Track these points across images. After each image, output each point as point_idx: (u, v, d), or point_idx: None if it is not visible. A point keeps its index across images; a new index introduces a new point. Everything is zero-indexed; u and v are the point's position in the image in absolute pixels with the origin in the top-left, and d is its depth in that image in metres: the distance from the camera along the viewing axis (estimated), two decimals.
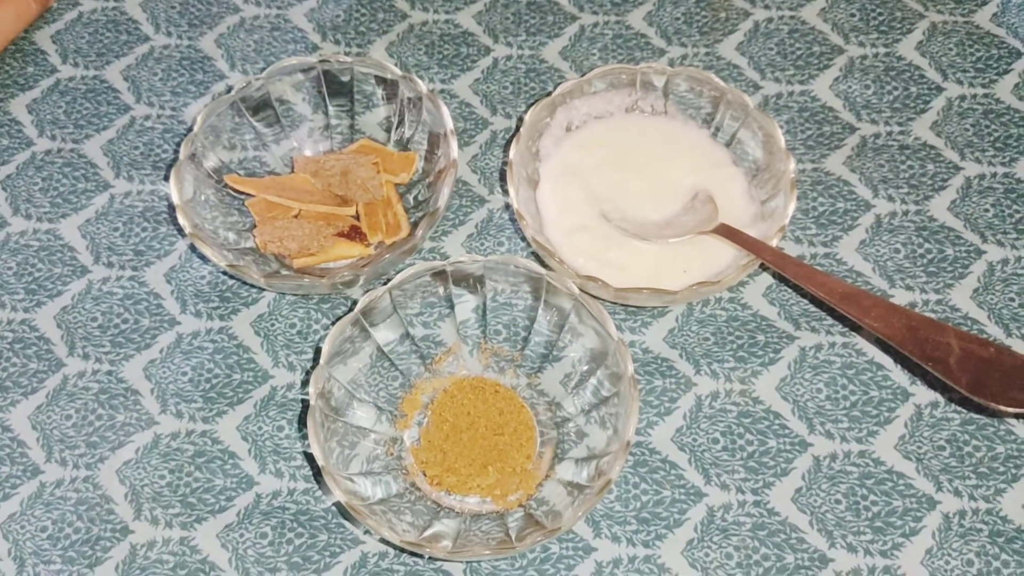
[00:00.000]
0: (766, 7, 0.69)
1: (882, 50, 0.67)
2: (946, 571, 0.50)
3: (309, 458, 0.55)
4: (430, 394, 0.55)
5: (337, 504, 0.53)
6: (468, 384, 0.55)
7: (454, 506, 0.52)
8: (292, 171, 0.62)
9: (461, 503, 0.52)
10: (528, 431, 0.54)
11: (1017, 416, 0.53)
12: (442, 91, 0.67)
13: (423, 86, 0.59)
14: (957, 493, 0.52)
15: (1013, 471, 0.53)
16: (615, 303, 0.57)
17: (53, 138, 0.66)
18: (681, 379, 0.56)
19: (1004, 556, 0.51)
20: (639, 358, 0.57)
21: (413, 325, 0.55)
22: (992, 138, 0.63)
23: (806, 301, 0.58)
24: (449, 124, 0.58)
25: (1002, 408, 0.45)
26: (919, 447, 0.54)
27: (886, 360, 0.56)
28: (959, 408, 0.54)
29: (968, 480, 0.53)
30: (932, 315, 0.57)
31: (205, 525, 0.53)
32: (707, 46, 0.68)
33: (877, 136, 0.63)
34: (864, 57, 0.67)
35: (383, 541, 0.52)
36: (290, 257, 0.59)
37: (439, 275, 0.54)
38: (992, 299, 0.58)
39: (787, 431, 0.54)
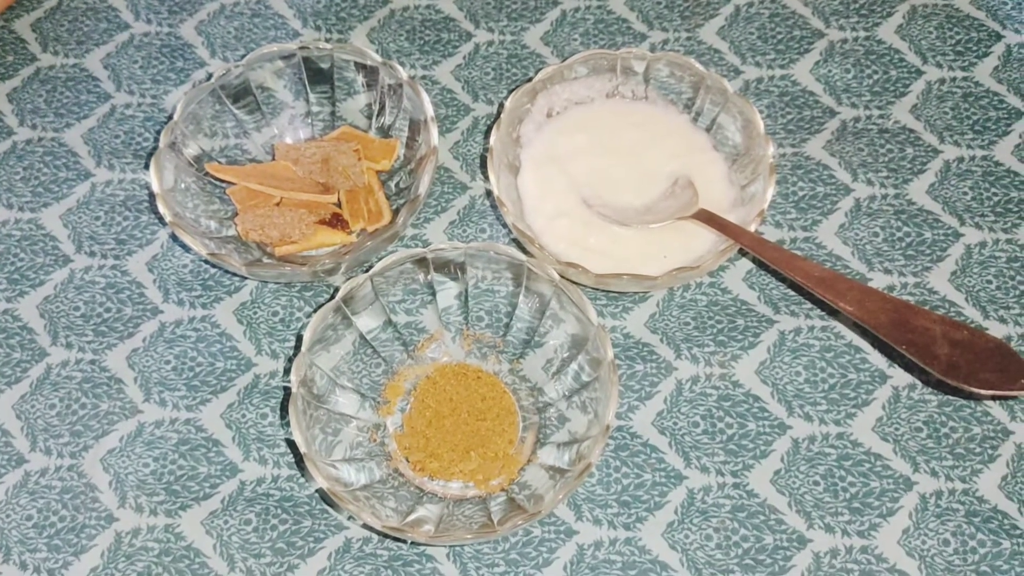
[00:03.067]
0: None
1: (862, 34, 0.67)
2: (923, 551, 0.51)
3: (292, 445, 0.55)
4: (413, 380, 0.56)
5: (320, 490, 0.54)
6: (450, 370, 0.55)
7: (437, 491, 0.53)
8: (273, 159, 0.62)
9: (444, 488, 0.53)
10: (510, 416, 0.54)
11: (992, 398, 0.54)
12: (423, 77, 0.67)
13: (404, 73, 0.59)
14: (934, 474, 0.53)
15: (989, 452, 0.53)
16: (596, 289, 0.58)
17: (34, 127, 0.66)
18: (662, 363, 0.57)
19: (980, 535, 0.51)
20: (620, 343, 0.57)
21: (395, 312, 0.55)
22: (971, 121, 0.63)
23: (785, 285, 0.58)
24: (430, 111, 0.58)
25: (975, 390, 0.46)
26: (896, 429, 0.54)
27: (864, 343, 0.57)
28: (936, 390, 0.55)
29: (945, 461, 0.53)
30: (910, 298, 0.58)
31: (189, 512, 0.53)
32: (688, 31, 0.68)
33: (857, 120, 0.64)
34: (844, 41, 0.67)
35: (366, 526, 0.53)
36: (272, 245, 0.59)
37: (421, 262, 0.54)
38: (970, 282, 0.58)
39: (766, 414, 0.55)
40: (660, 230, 0.57)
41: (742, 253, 0.59)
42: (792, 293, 0.58)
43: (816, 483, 0.53)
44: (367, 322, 0.55)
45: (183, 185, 0.58)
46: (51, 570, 0.52)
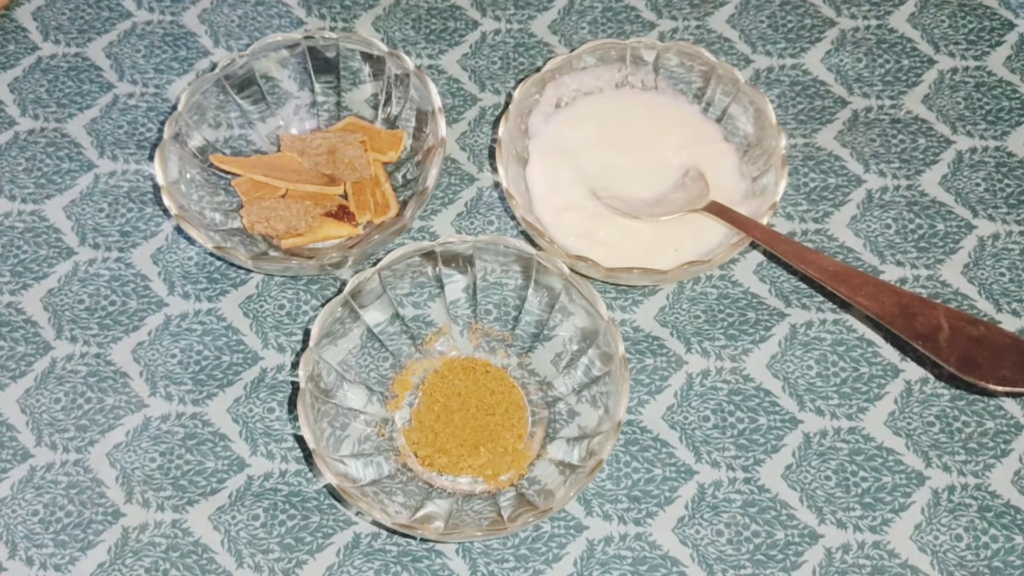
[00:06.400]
0: None
1: (874, 22, 0.66)
2: (935, 546, 0.51)
3: (300, 439, 0.55)
4: (421, 375, 0.55)
5: (329, 485, 0.53)
6: (459, 364, 0.55)
7: (446, 486, 0.52)
8: (278, 150, 0.62)
9: (453, 483, 0.52)
10: (519, 411, 0.54)
11: (1007, 395, 0.54)
12: (430, 67, 0.66)
13: (410, 63, 0.59)
14: (946, 469, 0.53)
15: (1002, 446, 0.53)
16: (606, 282, 0.57)
17: (36, 117, 0.65)
18: (672, 357, 0.56)
19: (993, 531, 0.51)
20: (630, 337, 0.57)
21: (403, 306, 0.55)
22: (984, 111, 0.63)
23: (797, 278, 0.58)
24: (437, 102, 0.57)
25: (992, 387, 0.45)
26: (909, 423, 0.54)
27: (876, 337, 0.56)
28: (948, 384, 0.55)
29: (957, 456, 0.53)
30: (923, 290, 0.57)
31: (197, 507, 0.53)
32: (698, 19, 0.67)
33: (869, 110, 0.63)
34: (856, 29, 0.66)
35: (375, 522, 0.52)
36: (278, 237, 0.58)
37: (428, 255, 0.53)
38: (982, 274, 0.58)
39: (777, 408, 0.55)
40: (670, 223, 0.57)
41: (753, 245, 0.59)
42: (803, 286, 0.58)
43: (828, 478, 0.53)
44: (374, 316, 0.54)
45: (188, 176, 0.58)
46: (58, 565, 0.52)
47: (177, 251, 0.60)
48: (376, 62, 0.61)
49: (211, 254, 0.60)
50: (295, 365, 0.57)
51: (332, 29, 0.67)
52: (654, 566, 0.51)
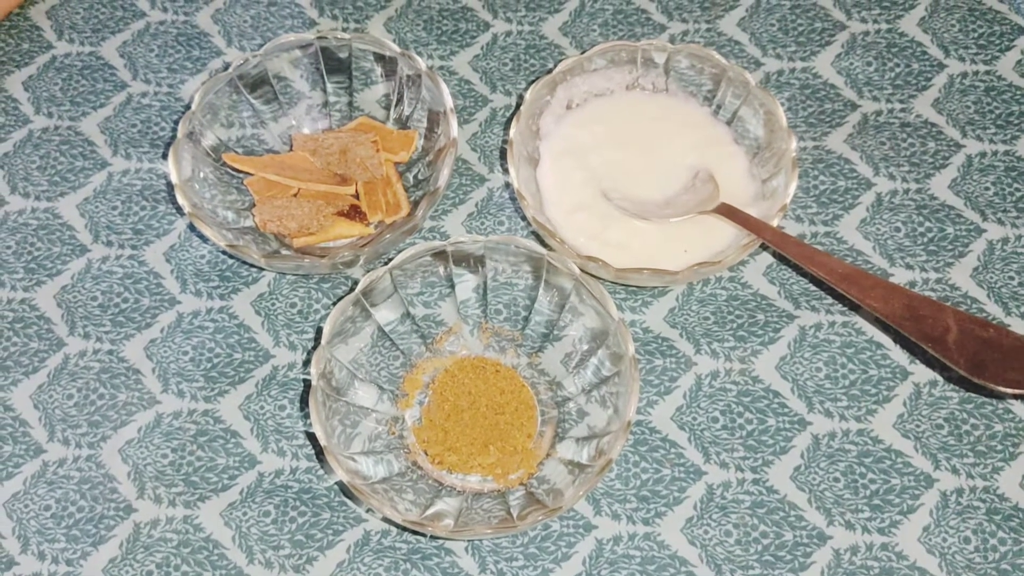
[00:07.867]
0: None
1: (884, 26, 0.66)
2: (943, 548, 0.51)
3: (311, 437, 0.55)
4: (431, 374, 0.56)
5: (340, 483, 0.54)
6: (469, 364, 0.55)
7: (456, 485, 0.53)
8: (291, 149, 0.62)
9: (463, 482, 0.53)
10: (529, 410, 0.54)
11: (1016, 397, 0.54)
12: (441, 68, 0.66)
13: (422, 63, 0.59)
14: (955, 471, 0.53)
15: (1011, 449, 0.53)
16: (615, 283, 0.57)
17: (50, 115, 0.66)
18: (681, 358, 0.56)
19: (1001, 534, 0.51)
20: (639, 337, 0.57)
21: (414, 305, 0.55)
22: (993, 116, 0.63)
23: (806, 280, 0.58)
24: (449, 102, 0.58)
25: (1001, 389, 0.46)
26: (917, 425, 0.54)
27: (885, 339, 0.56)
28: (957, 387, 0.55)
29: (966, 458, 0.53)
30: (932, 294, 0.57)
31: (208, 504, 0.53)
32: (708, 22, 0.67)
33: (879, 113, 0.63)
34: (866, 33, 0.66)
35: (385, 519, 0.53)
36: (290, 236, 0.58)
37: (440, 255, 0.54)
38: (992, 278, 0.58)
39: (786, 410, 0.55)
40: (680, 224, 0.57)
41: (762, 247, 0.59)
42: (813, 288, 0.58)
43: (836, 479, 0.53)
44: (386, 315, 0.54)
45: (201, 175, 0.58)
46: (69, 560, 0.52)
47: (190, 249, 0.61)
48: (388, 63, 0.61)
49: (223, 252, 0.60)
50: (306, 363, 0.57)
51: (344, 30, 0.68)
52: (662, 566, 0.51)
